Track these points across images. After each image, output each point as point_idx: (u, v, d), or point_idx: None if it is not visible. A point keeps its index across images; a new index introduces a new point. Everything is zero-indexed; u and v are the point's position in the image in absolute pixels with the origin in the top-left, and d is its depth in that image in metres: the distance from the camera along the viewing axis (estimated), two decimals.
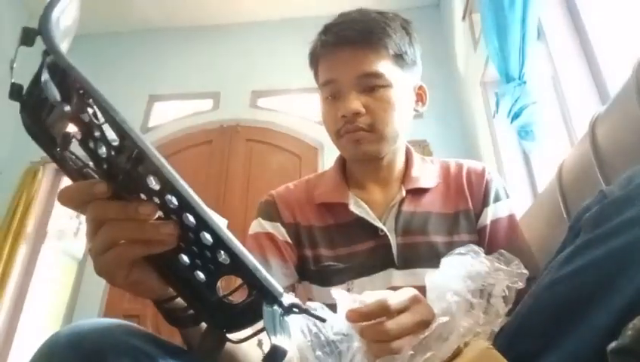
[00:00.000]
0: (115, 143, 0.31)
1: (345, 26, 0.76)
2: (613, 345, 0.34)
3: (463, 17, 2.80)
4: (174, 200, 0.33)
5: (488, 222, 0.77)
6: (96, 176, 0.35)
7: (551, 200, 0.96)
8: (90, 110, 0.31)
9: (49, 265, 3.41)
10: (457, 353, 0.43)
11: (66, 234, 4.05)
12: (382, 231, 0.75)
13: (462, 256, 0.54)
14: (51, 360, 0.40)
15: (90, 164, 0.35)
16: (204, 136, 3.35)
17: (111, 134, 0.31)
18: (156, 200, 0.34)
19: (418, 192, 0.80)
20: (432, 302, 0.52)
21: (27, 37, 0.31)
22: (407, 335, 0.47)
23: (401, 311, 0.48)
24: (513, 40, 1.80)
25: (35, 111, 0.32)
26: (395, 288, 0.72)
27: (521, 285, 0.51)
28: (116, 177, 0.34)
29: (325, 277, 0.76)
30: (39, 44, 0.31)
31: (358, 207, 0.78)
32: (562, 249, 0.48)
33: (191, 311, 0.42)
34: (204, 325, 0.44)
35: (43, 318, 3.37)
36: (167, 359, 0.45)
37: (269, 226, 0.80)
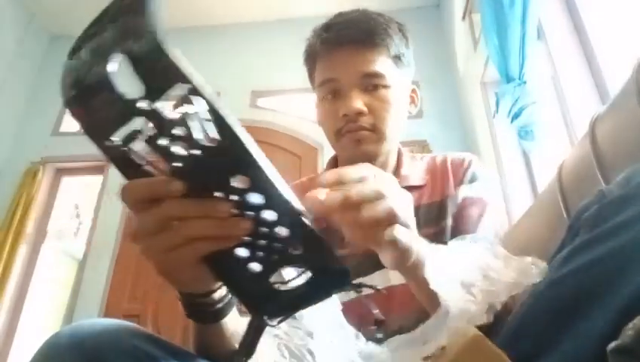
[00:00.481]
0: (206, 143, 0.30)
1: (347, 25, 0.76)
2: (613, 345, 0.34)
3: (463, 17, 2.80)
4: (260, 198, 0.34)
5: (459, 201, 0.77)
6: (156, 172, 0.34)
7: (551, 200, 0.96)
8: (189, 108, 0.29)
9: (49, 265, 3.41)
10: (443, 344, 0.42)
11: (66, 234, 4.06)
12: None
13: (473, 244, 0.51)
14: (52, 361, 0.40)
15: (153, 160, 0.33)
16: None
17: (195, 133, 0.30)
18: (233, 196, 0.34)
19: (408, 190, 0.80)
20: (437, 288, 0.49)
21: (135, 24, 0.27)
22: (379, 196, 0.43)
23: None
24: (513, 40, 1.80)
25: (94, 102, 0.29)
26: (392, 287, 0.72)
27: (529, 282, 0.47)
28: (189, 174, 0.33)
29: None
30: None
31: None
32: (561, 249, 0.48)
33: (218, 306, 0.44)
34: (224, 322, 0.47)
35: (43, 318, 3.37)
36: (169, 359, 0.45)
37: None
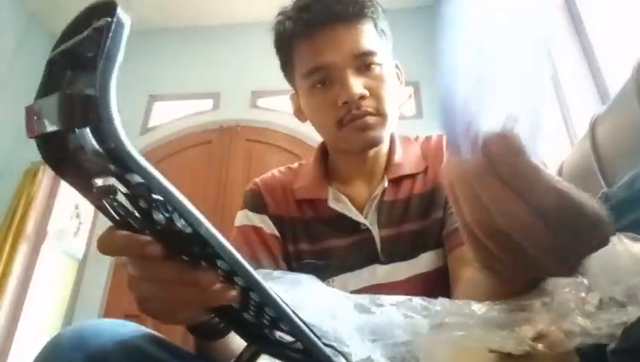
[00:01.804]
0: (184, 229, 0.28)
1: (331, 0, 0.68)
2: (613, 345, 0.34)
3: None
4: (241, 281, 0.31)
5: None
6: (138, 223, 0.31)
7: None
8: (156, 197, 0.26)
9: (49, 265, 3.41)
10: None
11: (66, 234, 4.04)
12: (364, 225, 0.71)
13: None
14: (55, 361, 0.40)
15: (136, 214, 0.30)
16: (204, 137, 3.35)
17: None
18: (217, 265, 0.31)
19: (401, 180, 0.74)
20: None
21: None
22: None
23: None
24: None
25: (67, 149, 0.25)
26: (379, 285, 0.68)
27: None
28: (170, 240, 0.30)
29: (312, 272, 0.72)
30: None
31: (337, 203, 0.73)
32: None
33: (219, 327, 0.42)
34: (225, 339, 0.45)
35: (43, 318, 3.36)
36: (171, 360, 0.45)
37: (256, 219, 0.76)
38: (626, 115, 0.74)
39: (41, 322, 3.31)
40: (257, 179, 0.81)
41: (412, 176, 0.74)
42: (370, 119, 0.67)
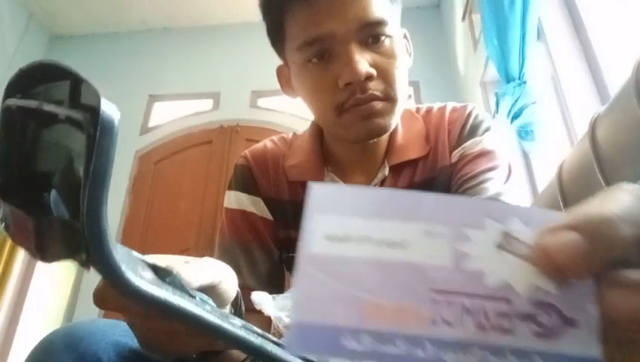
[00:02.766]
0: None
1: None
2: None
3: (463, 17, 2.80)
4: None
5: (454, 161, 0.63)
6: None
7: (551, 201, 0.96)
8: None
9: (49, 264, 3.40)
10: None
11: None
12: None
13: None
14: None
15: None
16: (204, 136, 3.35)
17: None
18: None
19: (403, 166, 0.65)
20: None
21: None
22: None
23: None
24: (513, 40, 1.80)
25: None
26: None
27: None
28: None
29: (295, 267, 0.68)
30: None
31: None
32: None
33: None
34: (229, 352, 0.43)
35: (43, 318, 3.36)
36: (163, 360, 0.44)
37: (247, 202, 0.68)
38: (626, 115, 0.74)
39: (41, 322, 3.32)
40: (247, 153, 0.73)
41: (414, 162, 0.65)
42: (378, 105, 0.56)
